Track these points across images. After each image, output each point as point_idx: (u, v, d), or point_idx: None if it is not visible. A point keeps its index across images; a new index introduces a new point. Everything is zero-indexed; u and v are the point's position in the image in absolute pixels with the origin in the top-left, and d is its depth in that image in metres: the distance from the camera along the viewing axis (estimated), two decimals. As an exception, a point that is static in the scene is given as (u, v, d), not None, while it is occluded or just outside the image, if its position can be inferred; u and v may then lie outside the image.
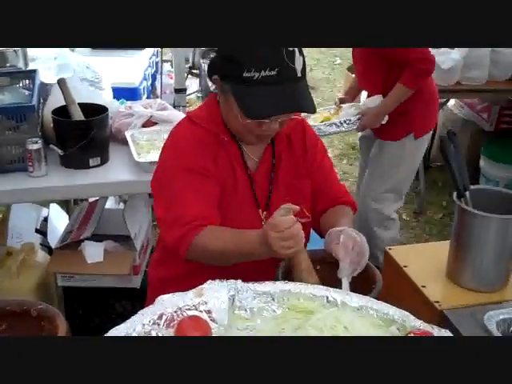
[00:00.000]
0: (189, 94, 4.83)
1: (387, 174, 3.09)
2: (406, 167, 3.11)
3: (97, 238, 2.57)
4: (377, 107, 2.94)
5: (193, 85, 4.71)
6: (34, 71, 2.80)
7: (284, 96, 1.45)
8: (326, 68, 7.09)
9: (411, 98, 2.88)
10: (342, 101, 3.28)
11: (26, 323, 1.37)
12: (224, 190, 1.60)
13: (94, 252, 2.49)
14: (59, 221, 3.13)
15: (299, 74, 1.47)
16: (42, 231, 3.06)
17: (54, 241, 2.82)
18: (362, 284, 1.56)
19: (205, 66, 3.95)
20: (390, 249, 1.83)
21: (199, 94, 4.24)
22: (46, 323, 1.36)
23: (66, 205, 3.34)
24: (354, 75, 3.37)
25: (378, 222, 3.15)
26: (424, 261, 1.77)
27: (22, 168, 2.42)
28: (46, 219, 3.16)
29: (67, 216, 3.20)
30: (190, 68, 4.61)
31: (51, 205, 3.25)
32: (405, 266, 1.73)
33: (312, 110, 1.49)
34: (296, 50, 1.45)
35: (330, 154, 4.81)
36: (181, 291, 1.32)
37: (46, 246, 2.93)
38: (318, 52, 7.47)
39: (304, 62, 1.49)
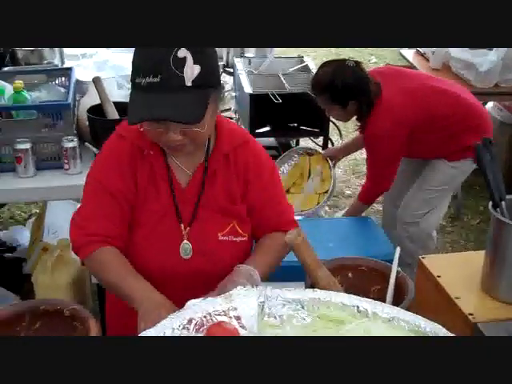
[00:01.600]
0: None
1: (435, 193, 2.97)
2: (455, 186, 3.05)
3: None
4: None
5: (227, 83, 4.71)
6: (70, 69, 2.85)
7: (158, 102, 1.39)
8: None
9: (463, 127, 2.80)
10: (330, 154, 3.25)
11: (59, 323, 1.39)
12: (145, 203, 1.59)
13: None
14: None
15: (188, 83, 1.39)
16: (77, 227, 3.10)
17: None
18: (394, 294, 1.55)
19: (238, 65, 3.94)
20: (423, 257, 1.80)
21: (233, 93, 4.23)
22: (78, 324, 1.38)
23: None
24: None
25: (417, 241, 3.05)
26: (458, 271, 1.73)
27: (58, 165, 2.46)
28: (80, 215, 3.20)
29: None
30: (225, 66, 4.61)
31: (86, 201, 3.29)
32: (438, 276, 1.70)
33: (187, 121, 1.42)
34: (189, 58, 1.38)
35: (364, 156, 4.80)
36: None
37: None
38: (353, 50, 7.40)
39: (205, 72, 1.41)
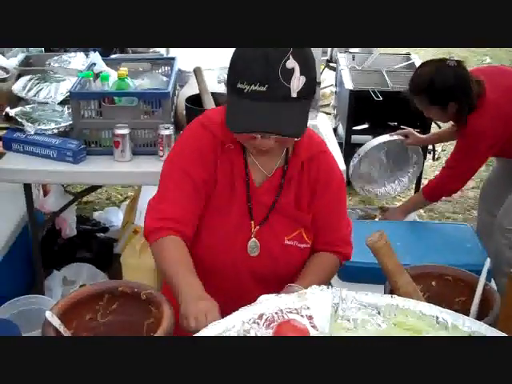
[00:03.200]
0: (323, 88, 4.79)
1: None
2: None
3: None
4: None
5: (328, 78, 4.66)
6: (173, 58, 2.91)
7: (265, 114, 1.37)
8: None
9: None
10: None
11: (135, 305, 1.42)
12: (220, 196, 1.58)
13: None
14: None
15: (294, 95, 1.37)
16: (169, 213, 3.18)
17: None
18: (479, 308, 1.47)
19: (342, 60, 3.88)
20: (514, 272, 1.69)
21: (334, 89, 4.18)
22: (153, 308, 1.40)
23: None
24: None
25: None
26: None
27: (153, 152, 2.52)
28: (173, 201, 3.28)
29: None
30: (328, 61, 4.57)
31: (179, 188, 3.36)
32: (530, 292, 1.59)
33: (293, 134, 1.43)
34: (297, 69, 1.36)
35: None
36: None
37: (170, 228, 3.04)
38: (465, 50, 7.11)
39: (309, 83, 1.39)
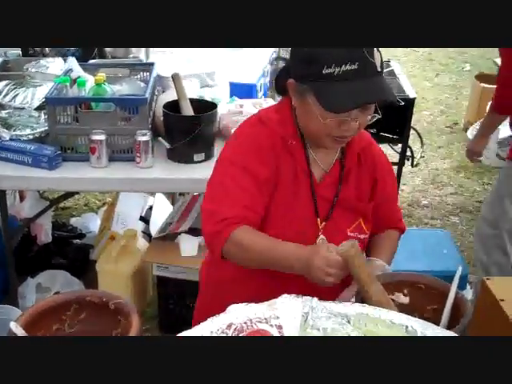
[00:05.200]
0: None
1: None
2: None
3: (193, 232, 2.61)
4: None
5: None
6: (152, 64, 2.90)
7: (365, 88, 1.41)
8: (454, 74, 6.79)
9: None
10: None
11: (103, 315, 1.40)
12: (283, 193, 1.57)
13: (188, 246, 2.54)
14: (163, 211, 3.23)
15: (379, 69, 1.44)
16: (146, 219, 3.16)
17: (155, 229, 2.91)
18: (450, 316, 1.47)
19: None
20: (487, 279, 1.69)
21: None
22: (121, 318, 1.38)
23: (171, 195, 3.43)
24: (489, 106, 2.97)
25: None
26: (525, 297, 1.62)
27: (130, 158, 2.50)
28: (151, 208, 3.26)
29: (171, 206, 3.29)
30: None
31: (157, 194, 3.35)
32: (501, 300, 1.59)
33: (394, 99, 1.49)
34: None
35: (446, 165, 4.67)
36: (233, 294, 1.35)
37: (147, 234, 3.02)
38: (446, 57, 7.18)
39: (381, 57, 1.46)
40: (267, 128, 1.57)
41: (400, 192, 3.92)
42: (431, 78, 6.68)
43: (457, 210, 4.14)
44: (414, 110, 3.40)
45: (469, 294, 2.56)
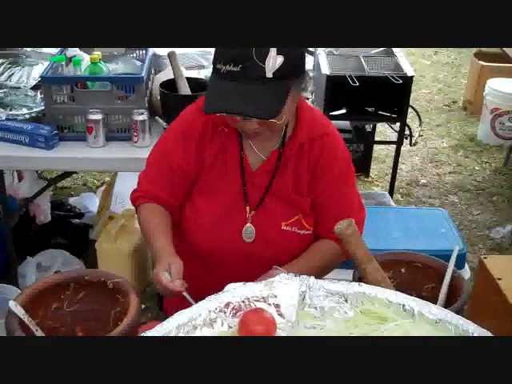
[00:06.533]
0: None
1: None
2: None
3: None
4: None
5: (307, 63, 4.63)
6: (148, 42, 2.86)
7: (236, 95, 1.35)
8: (452, 52, 6.75)
9: None
10: None
11: (101, 294, 1.41)
12: (211, 179, 1.58)
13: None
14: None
15: (269, 75, 1.34)
16: (144, 199, 3.15)
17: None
18: (448, 295, 1.47)
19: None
20: (485, 257, 1.70)
21: (312, 74, 4.16)
22: (120, 296, 1.39)
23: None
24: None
25: None
26: (522, 275, 1.63)
27: (127, 137, 2.49)
28: (149, 187, 3.25)
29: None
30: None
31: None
32: (499, 279, 1.61)
33: (263, 116, 1.38)
34: (273, 49, 1.33)
35: (445, 144, 4.65)
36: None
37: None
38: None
39: (288, 62, 1.35)
40: (202, 114, 1.52)
41: (399, 171, 3.91)
42: (429, 55, 6.64)
43: (455, 189, 4.13)
44: (413, 88, 3.37)
45: (467, 273, 2.57)
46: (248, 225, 1.58)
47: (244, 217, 1.58)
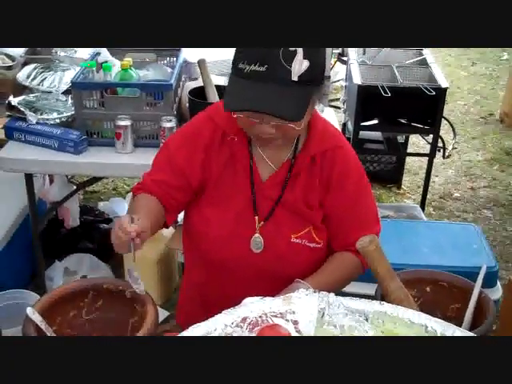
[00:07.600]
0: (335, 81, 4.73)
1: None
2: None
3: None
4: None
5: (341, 72, 4.59)
6: (179, 49, 2.87)
7: (260, 94, 1.33)
8: (491, 63, 6.62)
9: None
10: None
11: (120, 303, 1.40)
12: (219, 189, 1.55)
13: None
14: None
15: (294, 78, 1.33)
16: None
17: (181, 216, 2.88)
18: (474, 315, 1.42)
19: (352, 54, 3.82)
20: (514, 278, 1.64)
21: (344, 83, 4.12)
22: (138, 306, 1.38)
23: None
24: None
25: None
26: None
27: (155, 144, 2.48)
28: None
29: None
30: (340, 55, 4.50)
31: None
32: (528, 300, 1.55)
33: (287, 117, 1.35)
34: (300, 51, 1.31)
35: (480, 157, 4.56)
36: None
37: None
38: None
39: (313, 68, 1.34)
40: (212, 122, 1.53)
41: (431, 184, 3.85)
42: (466, 67, 6.53)
43: (490, 204, 4.04)
44: (448, 99, 3.32)
45: (499, 291, 2.49)
46: (256, 235, 1.56)
47: (253, 227, 1.56)
